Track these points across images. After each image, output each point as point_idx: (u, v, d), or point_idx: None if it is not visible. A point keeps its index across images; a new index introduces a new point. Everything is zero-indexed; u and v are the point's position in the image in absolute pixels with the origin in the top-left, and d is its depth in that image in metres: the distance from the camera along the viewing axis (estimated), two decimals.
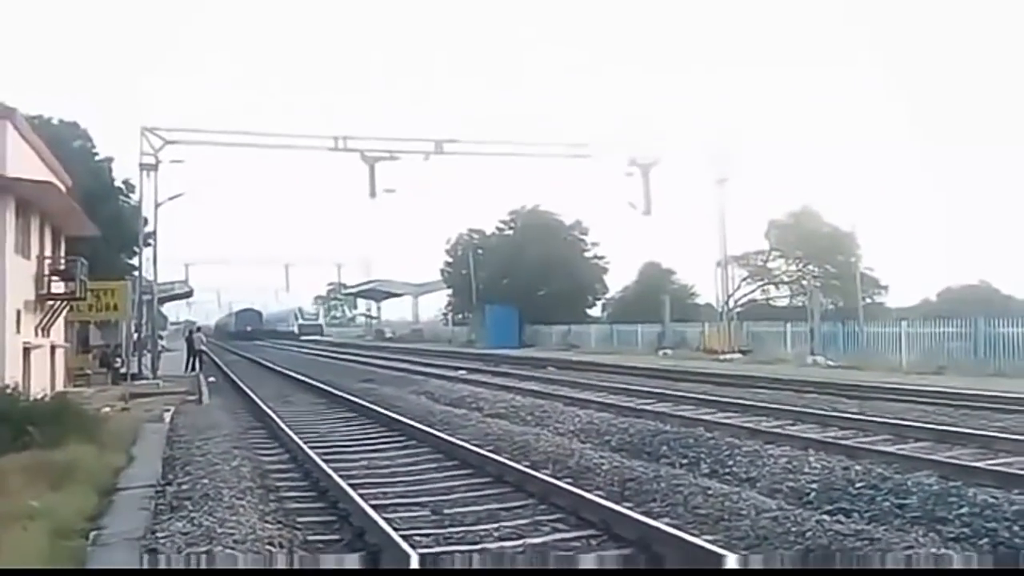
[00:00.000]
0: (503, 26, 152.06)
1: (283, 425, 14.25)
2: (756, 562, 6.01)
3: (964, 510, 7.28)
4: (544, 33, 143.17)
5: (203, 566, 5.37)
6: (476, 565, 5.16)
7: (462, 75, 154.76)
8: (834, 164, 76.97)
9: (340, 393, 20.40)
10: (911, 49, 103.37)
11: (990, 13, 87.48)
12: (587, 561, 5.84)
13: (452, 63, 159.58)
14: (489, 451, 11.04)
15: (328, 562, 6.03)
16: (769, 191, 74.31)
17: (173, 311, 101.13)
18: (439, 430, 13.13)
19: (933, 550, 6.22)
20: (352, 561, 5.86)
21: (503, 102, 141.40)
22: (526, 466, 9.95)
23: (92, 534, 7.35)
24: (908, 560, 5.47)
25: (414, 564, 5.88)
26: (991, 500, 7.41)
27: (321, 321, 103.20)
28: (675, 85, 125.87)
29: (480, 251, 61.38)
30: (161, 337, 44.06)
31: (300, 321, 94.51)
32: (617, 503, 8.01)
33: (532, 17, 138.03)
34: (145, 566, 6.21)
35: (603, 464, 9.92)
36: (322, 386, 22.75)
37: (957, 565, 5.06)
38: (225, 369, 33.89)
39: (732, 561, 5.65)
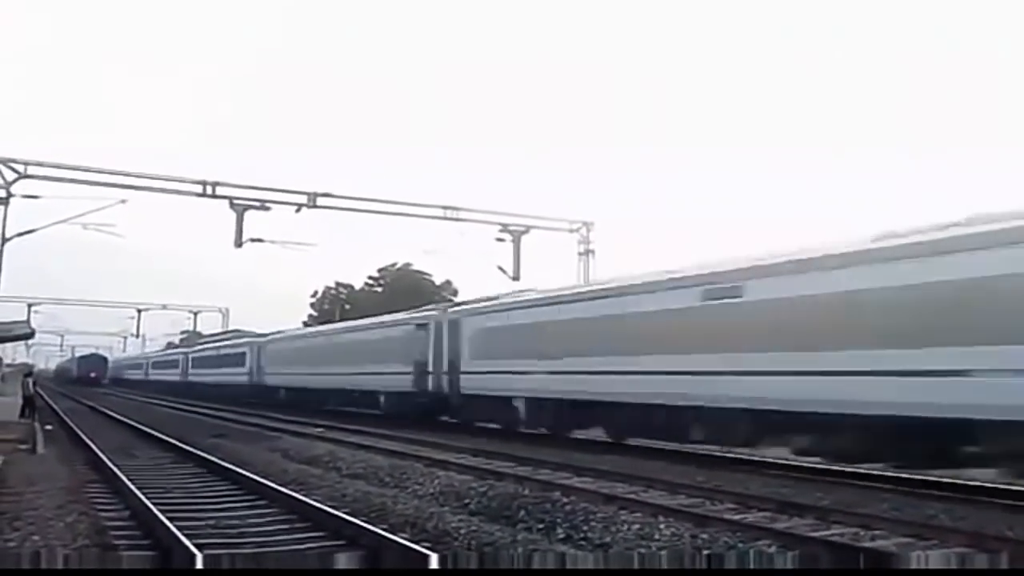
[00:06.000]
0: (382, 84, 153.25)
1: (125, 479, 13.47)
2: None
3: None
4: (424, 93, 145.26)
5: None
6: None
7: (338, 130, 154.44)
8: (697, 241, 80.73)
9: (188, 448, 19.46)
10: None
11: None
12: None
13: (329, 118, 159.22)
14: (346, 513, 10.81)
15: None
16: (634, 264, 77.07)
17: (10, 353, 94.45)
18: (293, 490, 12.74)
19: None
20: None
21: (378, 160, 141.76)
22: (384, 529, 9.81)
23: None
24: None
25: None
26: None
27: None
28: (548, 157, 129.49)
29: (347, 306, 60.67)
30: None
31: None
32: None
33: (412, 78, 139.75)
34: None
35: (461, 528, 9.91)
36: (169, 439, 21.66)
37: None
38: (64, 417, 31.89)
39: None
